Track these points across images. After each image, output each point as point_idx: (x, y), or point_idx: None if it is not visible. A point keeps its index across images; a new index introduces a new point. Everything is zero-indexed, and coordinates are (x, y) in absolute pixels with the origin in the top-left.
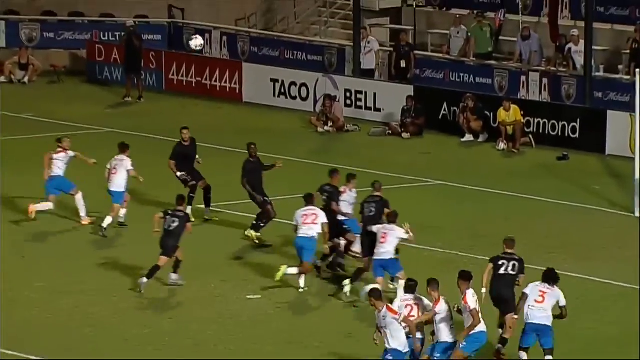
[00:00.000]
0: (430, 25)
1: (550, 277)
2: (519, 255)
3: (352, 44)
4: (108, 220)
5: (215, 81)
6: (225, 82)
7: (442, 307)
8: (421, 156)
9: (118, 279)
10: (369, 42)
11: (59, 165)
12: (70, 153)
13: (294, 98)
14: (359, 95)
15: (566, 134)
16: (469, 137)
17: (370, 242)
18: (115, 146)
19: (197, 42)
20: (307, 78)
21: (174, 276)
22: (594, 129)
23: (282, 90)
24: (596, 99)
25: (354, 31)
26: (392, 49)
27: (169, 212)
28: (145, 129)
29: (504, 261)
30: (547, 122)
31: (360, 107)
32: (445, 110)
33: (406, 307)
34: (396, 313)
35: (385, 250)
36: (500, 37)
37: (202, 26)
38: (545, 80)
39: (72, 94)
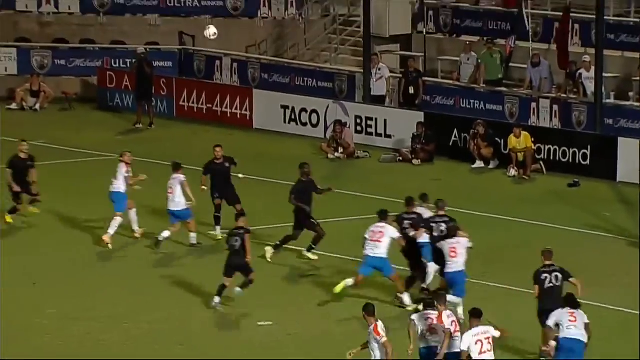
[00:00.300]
0: (440, 52)
1: (572, 302)
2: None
3: (362, 70)
4: (193, 235)
5: (226, 108)
6: (236, 108)
7: (445, 322)
8: (432, 183)
9: (130, 305)
10: (379, 69)
11: (120, 180)
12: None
13: (305, 124)
14: (369, 122)
15: (577, 161)
16: (479, 164)
17: (442, 260)
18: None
19: (210, 31)
20: (317, 104)
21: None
22: (605, 155)
23: (293, 117)
24: (607, 125)
25: (364, 58)
26: (401, 76)
27: (230, 233)
28: (156, 156)
29: (546, 274)
30: (557, 148)
31: (371, 134)
32: (455, 136)
33: (426, 319)
34: (379, 334)
35: (458, 263)
36: (511, 64)
37: (213, 53)
38: (555, 107)
39: (83, 121)
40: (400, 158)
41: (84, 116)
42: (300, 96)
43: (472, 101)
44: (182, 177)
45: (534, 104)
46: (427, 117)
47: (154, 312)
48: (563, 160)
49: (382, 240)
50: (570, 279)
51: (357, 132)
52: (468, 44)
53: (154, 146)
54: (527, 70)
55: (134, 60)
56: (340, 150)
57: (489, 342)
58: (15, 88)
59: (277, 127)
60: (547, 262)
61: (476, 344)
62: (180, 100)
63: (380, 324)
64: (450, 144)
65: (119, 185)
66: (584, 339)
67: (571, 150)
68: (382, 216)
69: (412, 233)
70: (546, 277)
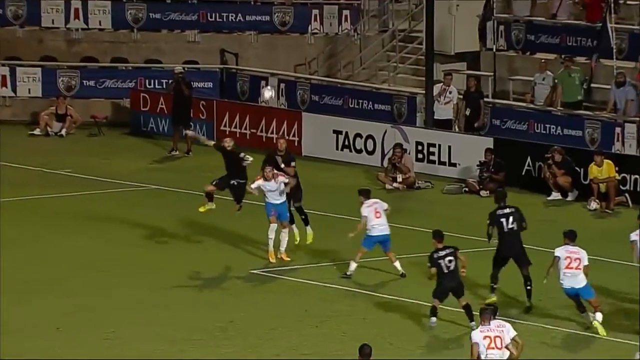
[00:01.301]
0: (512, 71)
1: None
2: None
3: (424, 91)
4: (397, 264)
5: (272, 133)
6: (283, 133)
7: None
8: None
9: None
10: (450, 92)
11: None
12: (281, 180)
13: (359, 151)
14: (431, 149)
15: None
16: (556, 195)
17: None
18: (161, 202)
19: (267, 94)
20: (373, 129)
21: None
22: None
23: (346, 143)
24: None
25: (426, 77)
26: (461, 97)
27: (436, 255)
28: (194, 186)
29: None
30: None
31: (433, 162)
32: (529, 165)
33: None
34: None
35: None
36: (592, 84)
37: (258, 72)
38: None
39: (114, 148)
40: (467, 189)
41: (114, 142)
42: (355, 120)
43: (547, 126)
44: (385, 204)
45: (618, 129)
46: (497, 143)
47: None
48: None
49: (581, 267)
50: None
51: (417, 159)
52: (543, 62)
53: (191, 176)
54: (611, 91)
55: (170, 81)
56: (399, 177)
57: None
58: (39, 112)
59: (328, 154)
60: None
61: None
62: (221, 124)
63: None
64: (523, 173)
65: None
66: None
67: None
68: (572, 237)
69: None
70: None
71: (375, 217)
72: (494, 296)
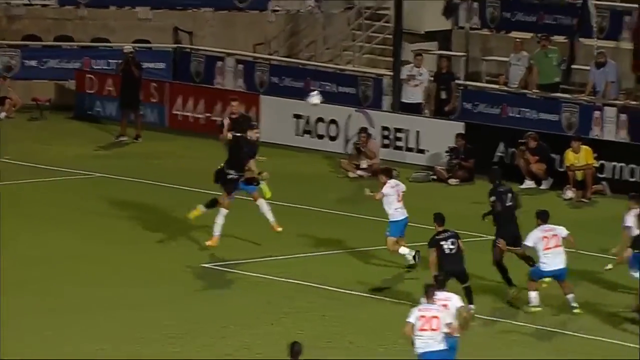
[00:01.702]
0: (485, 51)
1: None
2: None
3: (391, 73)
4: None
5: None
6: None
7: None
8: (472, 206)
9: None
10: (421, 74)
11: None
12: None
13: (321, 137)
14: (398, 134)
15: None
16: (529, 184)
17: None
18: (107, 191)
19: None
20: (337, 114)
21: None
22: None
23: (307, 128)
24: None
25: (394, 58)
26: (432, 79)
27: (437, 237)
28: (143, 174)
29: None
30: (624, 166)
31: (400, 148)
32: (501, 151)
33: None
34: None
35: None
36: (571, 65)
37: (213, 52)
38: (623, 117)
39: (57, 133)
40: (435, 177)
41: (57, 127)
42: None
43: (522, 109)
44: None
45: (597, 113)
46: (468, 128)
47: None
48: (631, 179)
49: (560, 243)
50: None
51: (384, 146)
52: (519, 42)
53: (140, 163)
54: (590, 73)
55: (119, 61)
56: (364, 163)
57: None
58: None
59: (288, 140)
60: None
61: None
62: (173, 108)
63: None
64: (495, 159)
65: None
66: None
67: None
68: (545, 218)
69: None
70: None
71: (397, 200)
72: (513, 288)
